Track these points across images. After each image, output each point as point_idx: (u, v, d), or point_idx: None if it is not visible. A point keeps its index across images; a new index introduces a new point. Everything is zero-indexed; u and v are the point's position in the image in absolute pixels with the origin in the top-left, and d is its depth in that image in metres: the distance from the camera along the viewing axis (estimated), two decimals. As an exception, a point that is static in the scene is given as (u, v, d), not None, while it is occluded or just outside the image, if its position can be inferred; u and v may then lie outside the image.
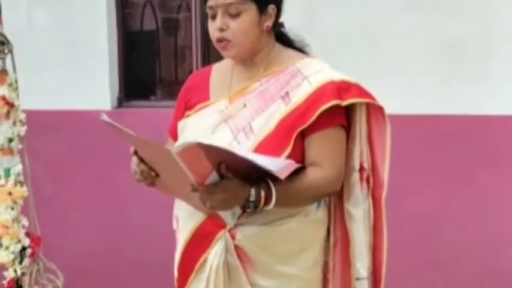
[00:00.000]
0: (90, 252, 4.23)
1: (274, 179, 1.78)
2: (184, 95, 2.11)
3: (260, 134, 1.89)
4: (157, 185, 1.91)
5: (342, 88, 1.89)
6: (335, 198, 2.02)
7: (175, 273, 2.07)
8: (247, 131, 1.91)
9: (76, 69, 4.38)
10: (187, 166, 1.67)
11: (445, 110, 3.68)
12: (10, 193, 2.63)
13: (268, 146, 1.87)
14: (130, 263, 4.15)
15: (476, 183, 3.69)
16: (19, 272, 2.64)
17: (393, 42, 3.77)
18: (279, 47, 2.01)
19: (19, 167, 2.67)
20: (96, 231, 4.28)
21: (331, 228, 2.03)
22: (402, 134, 3.52)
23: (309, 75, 1.93)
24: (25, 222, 2.69)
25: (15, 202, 2.64)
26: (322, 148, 1.88)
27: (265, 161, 1.74)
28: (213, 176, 1.73)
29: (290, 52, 2.02)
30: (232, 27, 1.90)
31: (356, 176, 1.98)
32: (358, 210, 1.98)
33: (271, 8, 1.94)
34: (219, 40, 1.93)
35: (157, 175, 1.87)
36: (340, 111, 1.91)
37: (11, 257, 2.64)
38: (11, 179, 2.65)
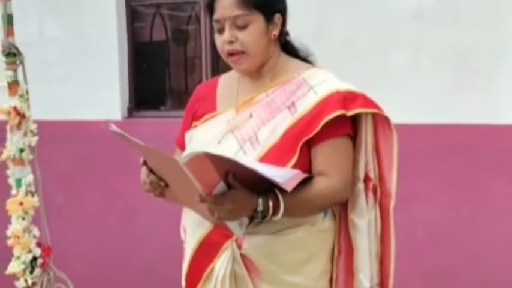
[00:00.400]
0: (100, 261, 4.24)
1: (282, 188, 1.78)
2: (191, 106, 2.12)
3: (266, 144, 1.90)
4: (167, 196, 1.91)
5: (348, 98, 1.90)
6: (339, 208, 2.03)
7: (183, 283, 2.08)
8: (254, 141, 1.92)
9: (86, 79, 4.41)
10: (195, 176, 1.68)
11: (454, 119, 3.68)
12: (21, 203, 2.65)
13: (274, 156, 1.87)
14: (140, 272, 4.16)
15: (486, 193, 3.67)
16: (30, 282, 2.66)
17: (402, 52, 3.77)
18: (284, 57, 2.02)
19: (30, 177, 2.69)
20: (106, 241, 4.29)
21: (335, 238, 2.03)
22: (412, 143, 3.54)
23: (315, 85, 1.94)
24: (36, 232, 2.71)
25: (26, 212, 2.66)
26: (329, 158, 1.89)
27: (272, 172, 1.74)
28: (221, 186, 1.73)
29: (296, 62, 2.03)
30: (241, 38, 1.91)
31: (361, 186, 1.98)
32: (363, 220, 1.98)
33: (277, 17, 1.95)
34: (230, 53, 1.93)
35: (166, 185, 1.88)
36: (346, 121, 1.91)
37: (22, 266, 2.65)
38: (22, 189, 2.67)
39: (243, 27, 1.90)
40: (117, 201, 4.28)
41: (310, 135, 1.88)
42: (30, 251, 2.66)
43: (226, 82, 2.09)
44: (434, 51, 3.72)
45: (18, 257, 2.65)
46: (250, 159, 1.87)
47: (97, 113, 4.28)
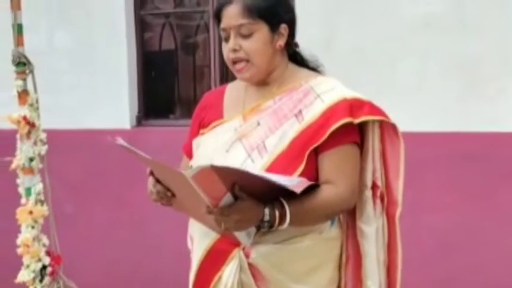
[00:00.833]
0: (109, 270, 4.25)
1: (288, 198, 1.79)
2: (198, 114, 2.13)
3: (274, 152, 1.90)
4: (174, 205, 1.92)
5: (355, 106, 1.90)
6: (347, 216, 2.03)
7: (191, 292, 2.08)
8: (261, 149, 1.92)
9: (96, 89, 4.42)
10: (202, 189, 1.69)
11: (463, 127, 3.67)
12: (31, 212, 2.66)
13: (281, 164, 1.88)
14: (148, 280, 4.16)
15: (494, 201, 3.66)
16: (39, 290, 2.66)
17: (410, 60, 3.77)
18: (292, 66, 2.03)
19: (40, 186, 2.70)
20: (115, 250, 4.30)
21: (343, 245, 2.03)
22: (420, 151, 3.53)
23: (322, 93, 1.94)
24: (45, 240, 2.71)
25: (35, 221, 2.67)
26: (336, 166, 1.89)
27: (279, 179, 1.75)
28: (227, 198, 1.74)
29: (303, 71, 2.03)
30: (245, 47, 1.92)
31: (368, 193, 1.98)
32: (370, 227, 1.98)
33: (283, 27, 1.96)
34: (234, 62, 1.95)
35: (173, 195, 1.88)
36: (353, 129, 1.92)
37: (32, 275, 2.66)
38: (32, 198, 2.68)
39: (247, 36, 1.92)
40: (126, 210, 4.29)
41: (317, 143, 1.88)
42: (39, 260, 2.66)
43: (233, 90, 2.10)
44: (443, 59, 3.71)
45: (27, 266, 2.65)
46: (256, 167, 1.88)
47: (106, 121, 4.30)
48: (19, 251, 2.68)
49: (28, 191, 2.68)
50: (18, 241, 2.67)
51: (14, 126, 2.67)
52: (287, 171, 1.86)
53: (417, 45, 3.74)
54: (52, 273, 2.70)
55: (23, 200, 2.69)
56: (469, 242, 3.68)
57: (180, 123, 4.25)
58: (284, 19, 1.96)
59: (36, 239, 2.67)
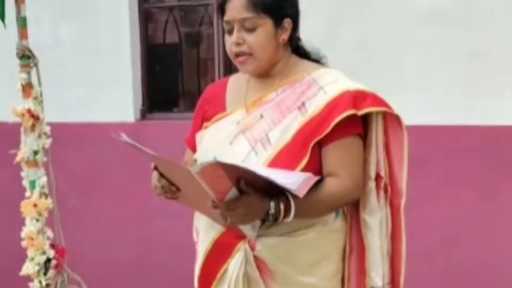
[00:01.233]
0: (114, 263, 4.26)
1: None
2: (201, 107, 2.13)
3: (277, 144, 1.90)
4: (179, 199, 1.92)
5: (358, 97, 1.90)
6: (351, 207, 2.03)
7: (196, 284, 2.08)
8: (265, 142, 1.92)
9: (100, 82, 4.42)
10: (208, 184, 1.70)
11: (468, 121, 3.66)
12: (35, 205, 2.66)
13: (285, 156, 1.88)
14: (153, 273, 4.16)
15: (500, 194, 3.65)
16: (44, 283, 2.67)
17: (415, 54, 3.76)
18: (295, 58, 2.02)
19: (44, 179, 2.70)
20: (119, 243, 4.31)
21: (347, 236, 2.03)
22: (426, 145, 3.52)
23: (325, 85, 1.94)
24: (50, 233, 2.72)
25: (40, 214, 2.67)
26: (340, 158, 1.89)
27: (283, 179, 1.75)
28: (233, 192, 1.74)
29: (306, 63, 2.03)
30: (248, 41, 1.92)
31: (372, 184, 1.98)
32: (374, 218, 1.98)
33: (287, 21, 1.95)
34: (237, 55, 1.95)
35: (177, 189, 1.88)
36: (357, 121, 1.91)
37: (36, 268, 2.66)
38: (36, 191, 2.68)
39: (251, 30, 1.91)
40: (130, 203, 4.29)
41: (321, 136, 1.88)
42: (44, 253, 2.67)
43: (235, 82, 2.10)
44: (448, 53, 3.70)
45: (32, 259, 2.66)
46: (261, 161, 1.88)
47: (110, 115, 4.30)
48: (23, 243, 2.68)
49: (32, 184, 2.68)
50: (23, 234, 2.68)
51: (18, 119, 2.67)
52: (291, 164, 1.86)
53: (422, 39, 3.73)
54: (56, 266, 2.70)
55: (27, 193, 2.69)
56: (474, 236, 3.68)
57: (183, 117, 4.25)
58: (288, 13, 1.96)
59: (40, 232, 2.67)
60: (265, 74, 2.00)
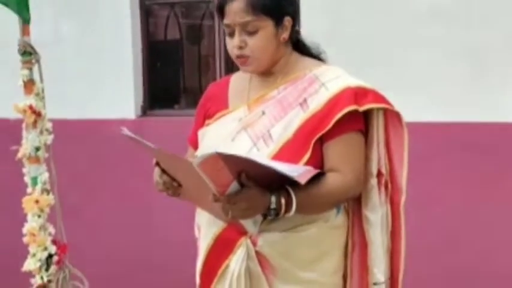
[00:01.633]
0: (115, 259, 4.26)
1: (294, 186, 1.79)
2: (203, 105, 2.14)
3: (279, 141, 1.91)
4: (180, 195, 1.93)
5: (359, 94, 1.91)
6: (353, 203, 2.03)
7: (197, 280, 2.09)
8: (267, 138, 1.93)
9: (101, 78, 4.43)
10: (209, 177, 1.70)
11: (470, 117, 3.66)
12: (37, 201, 2.66)
13: (287, 152, 1.88)
14: (155, 269, 4.17)
15: (501, 191, 3.66)
16: (45, 279, 2.67)
17: (416, 51, 3.76)
18: (295, 55, 2.03)
19: (46, 175, 2.70)
20: (121, 239, 4.31)
21: (349, 233, 2.03)
22: (427, 141, 3.52)
23: (326, 81, 1.95)
24: (51, 229, 2.72)
25: (41, 210, 2.67)
26: (341, 154, 1.90)
27: (285, 168, 1.75)
28: (234, 186, 1.75)
29: (307, 60, 2.03)
30: (250, 44, 1.92)
31: (374, 181, 1.98)
32: (376, 215, 1.99)
33: (287, 20, 1.96)
34: (238, 57, 1.95)
35: (179, 185, 1.89)
36: (358, 117, 1.92)
37: (38, 264, 2.66)
38: (38, 187, 2.68)
39: (252, 33, 1.92)
40: (132, 199, 4.30)
41: (323, 132, 1.89)
42: (45, 249, 2.67)
43: (237, 80, 2.10)
44: (450, 49, 3.70)
45: (34, 255, 2.66)
46: (262, 156, 1.88)
47: (111, 111, 4.30)
48: (25, 239, 2.68)
49: (34, 180, 2.69)
50: (25, 230, 2.68)
51: (20, 116, 2.67)
52: (293, 160, 1.87)
53: (423, 36, 3.73)
54: (58, 262, 2.71)
55: (29, 189, 2.69)
56: (475, 232, 3.68)
57: (184, 113, 4.25)
58: (288, 12, 1.96)
59: (42, 228, 2.67)
60: (267, 72, 2.00)
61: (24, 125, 2.68)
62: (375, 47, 3.82)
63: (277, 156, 1.89)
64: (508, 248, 3.65)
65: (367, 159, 1.97)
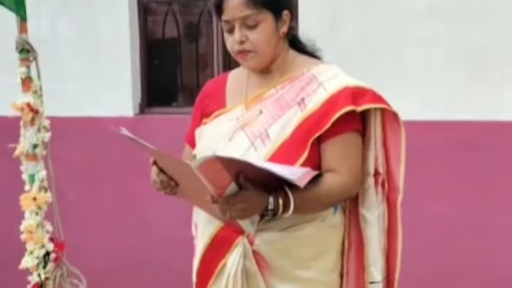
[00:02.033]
0: (113, 257, 4.26)
1: (292, 186, 1.79)
2: (200, 103, 2.13)
3: (277, 140, 1.91)
4: (178, 194, 1.93)
5: (357, 94, 1.91)
6: (350, 203, 2.03)
7: (194, 279, 2.09)
8: (264, 138, 1.93)
9: (99, 76, 4.42)
10: (207, 179, 1.70)
11: (468, 116, 3.67)
12: (34, 198, 2.66)
13: (285, 152, 1.89)
14: (152, 268, 4.17)
15: (499, 189, 3.67)
16: (43, 277, 2.67)
17: (416, 49, 3.77)
18: (293, 53, 2.03)
19: (43, 173, 2.70)
20: (118, 237, 4.31)
21: (346, 232, 2.04)
22: (425, 140, 3.53)
23: (324, 81, 1.94)
24: (49, 227, 2.72)
25: (39, 207, 2.67)
26: (339, 154, 1.90)
27: (283, 171, 1.75)
28: (232, 187, 1.75)
29: (304, 58, 2.03)
30: (251, 38, 1.92)
31: (371, 180, 1.98)
32: (373, 214, 1.99)
33: (286, 13, 1.95)
34: (240, 52, 1.94)
35: (176, 184, 1.89)
36: (356, 117, 1.92)
37: (35, 261, 2.66)
38: (36, 185, 2.68)
39: (253, 27, 1.91)
40: (130, 197, 4.30)
41: (320, 132, 1.89)
42: (43, 246, 2.67)
43: (235, 78, 2.10)
44: (448, 48, 3.71)
45: (31, 252, 2.66)
46: (260, 157, 1.88)
47: (109, 109, 4.30)
48: (23, 237, 2.68)
49: (32, 177, 2.68)
50: (22, 227, 2.68)
51: (17, 113, 2.67)
52: (290, 159, 1.87)
53: (422, 34, 3.74)
54: (56, 260, 2.71)
55: (27, 187, 2.69)
56: (473, 230, 3.69)
57: (182, 111, 4.26)
58: (286, 5, 1.96)
59: (39, 225, 2.67)
60: (266, 70, 2.00)
61: (22, 123, 2.68)
62: (374, 44, 3.82)
63: (274, 156, 1.89)
64: (505, 247, 3.66)
65: (364, 158, 1.97)
